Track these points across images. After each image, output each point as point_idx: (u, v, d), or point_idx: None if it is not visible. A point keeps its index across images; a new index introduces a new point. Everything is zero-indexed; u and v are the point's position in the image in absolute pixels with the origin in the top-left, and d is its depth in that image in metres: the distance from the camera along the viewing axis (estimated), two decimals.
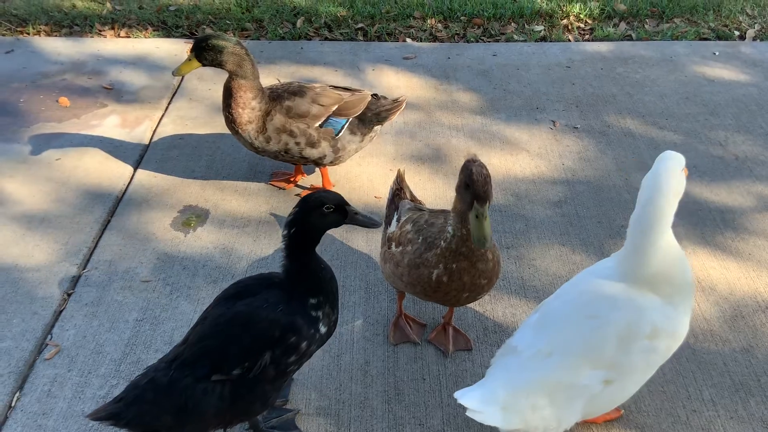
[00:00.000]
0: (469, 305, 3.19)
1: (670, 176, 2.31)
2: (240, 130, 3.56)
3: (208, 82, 4.92)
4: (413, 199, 3.17)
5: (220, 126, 4.46)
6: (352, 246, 3.55)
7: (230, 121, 3.56)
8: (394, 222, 3.01)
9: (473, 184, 2.40)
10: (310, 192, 2.35)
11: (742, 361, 2.96)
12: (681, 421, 2.72)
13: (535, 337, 2.44)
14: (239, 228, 3.65)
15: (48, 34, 5.52)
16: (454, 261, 2.59)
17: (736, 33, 5.66)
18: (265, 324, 2.28)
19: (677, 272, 2.39)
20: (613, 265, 2.49)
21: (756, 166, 4.16)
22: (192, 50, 3.44)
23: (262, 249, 3.52)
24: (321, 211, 2.30)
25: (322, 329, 2.39)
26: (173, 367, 2.31)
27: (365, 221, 2.41)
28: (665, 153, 2.40)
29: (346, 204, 2.37)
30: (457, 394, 2.33)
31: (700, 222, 3.72)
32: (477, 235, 2.43)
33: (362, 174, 4.07)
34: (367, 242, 3.55)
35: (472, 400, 2.30)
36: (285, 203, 3.82)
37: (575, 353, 2.36)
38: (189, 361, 2.30)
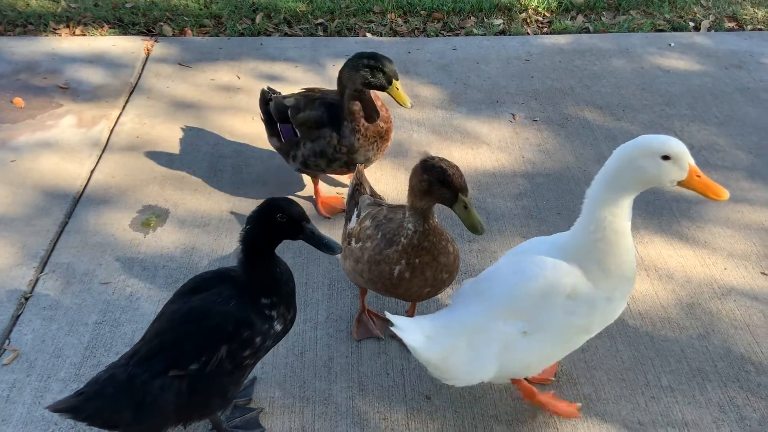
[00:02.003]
0: (432, 299, 3.21)
1: (632, 153, 2.27)
2: (388, 139, 3.58)
3: (167, 80, 4.87)
4: (373, 194, 3.18)
5: (179, 124, 4.42)
6: None
7: (386, 132, 3.52)
8: (354, 218, 3.01)
9: (451, 179, 2.44)
10: (284, 197, 2.31)
11: (699, 348, 3.02)
12: (640, 407, 2.77)
13: (470, 287, 2.61)
14: (200, 227, 3.63)
15: (1, 34, 5.40)
16: (416, 256, 2.60)
17: (691, 24, 5.75)
18: (218, 318, 2.28)
19: (611, 259, 2.37)
20: (561, 238, 2.55)
21: (711, 154, 4.24)
22: (396, 78, 3.37)
23: (224, 248, 3.50)
24: (274, 219, 2.27)
25: (277, 327, 2.38)
26: (132, 363, 2.30)
27: (320, 243, 2.31)
28: (646, 136, 2.31)
29: (304, 220, 2.31)
30: (388, 315, 2.50)
31: (656, 211, 3.79)
32: (472, 223, 2.49)
33: None
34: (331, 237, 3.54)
35: (401, 321, 2.47)
36: (246, 202, 3.80)
37: (496, 301, 2.49)
38: (146, 357, 2.29)
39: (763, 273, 3.39)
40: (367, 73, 3.30)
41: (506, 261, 2.61)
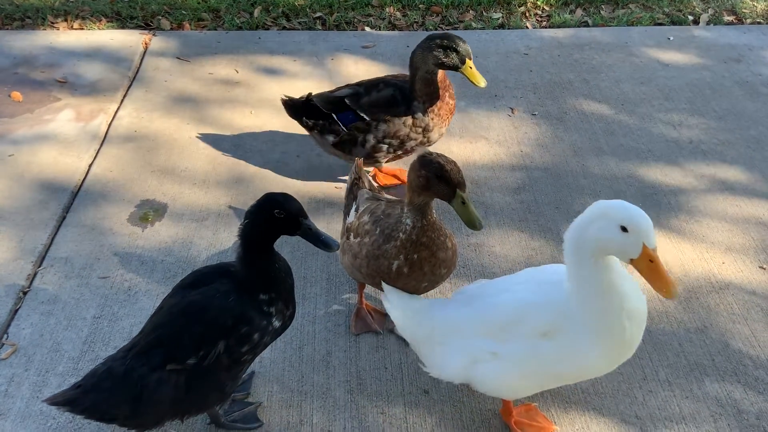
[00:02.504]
0: (430, 294, 3.21)
1: (598, 213, 2.17)
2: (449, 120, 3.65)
3: (165, 74, 4.86)
4: (372, 188, 3.17)
5: (177, 118, 4.41)
6: None
7: (454, 108, 3.63)
8: (352, 212, 3.01)
9: (449, 175, 2.46)
10: (282, 193, 2.31)
11: (696, 342, 3.03)
12: (638, 401, 2.78)
13: (475, 288, 2.61)
14: (198, 221, 3.62)
15: None
16: (414, 252, 2.60)
17: (690, 18, 5.74)
18: (216, 313, 2.28)
19: (593, 317, 2.25)
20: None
21: (709, 149, 4.24)
22: (471, 59, 3.42)
23: (222, 242, 3.50)
24: (271, 214, 2.27)
25: (276, 323, 2.39)
26: (129, 357, 2.30)
27: (317, 240, 2.31)
28: (618, 202, 2.18)
29: (302, 216, 2.30)
30: (385, 285, 2.65)
31: (654, 205, 3.79)
32: (470, 218, 2.51)
33: (322, 164, 4.06)
34: (328, 231, 3.52)
35: (393, 295, 2.65)
36: (245, 196, 3.80)
37: (477, 312, 2.47)
38: (144, 351, 2.29)
39: (761, 267, 3.40)
40: (440, 53, 3.34)
41: (520, 277, 2.55)
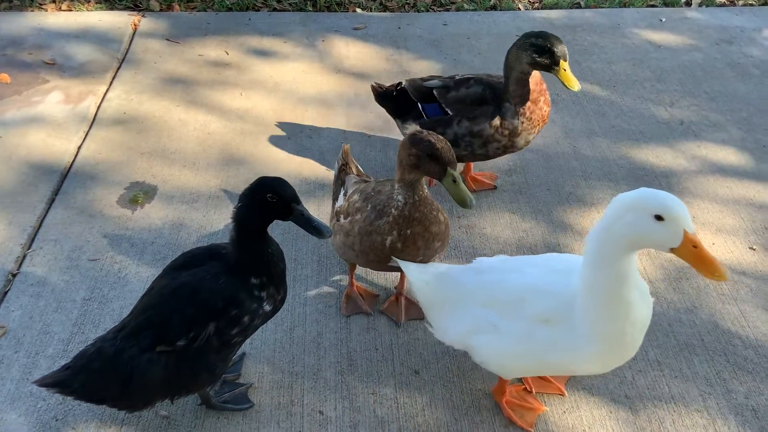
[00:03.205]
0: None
1: (626, 206, 2.05)
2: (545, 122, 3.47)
3: (154, 56, 4.82)
4: (359, 173, 3.17)
5: (167, 100, 4.38)
6: None
7: (547, 115, 3.43)
8: (341, 197, 3.01)
9: (440, 153, 2.46)
10: (276, 177, 2.29)
11: (686, 322, 3.04)
12: (627, 381, 2.79)
13: (496, 262, 2.59)
14: (188, 203, 3.61)
15: None
16: (407, 227, 2.61)
17: None
18: (207, 295, 2.27)
19: (601, 319, 2.20)
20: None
21: (701, 130, 4.24)
22: (565, 59, 3.21)
23: (212, 224, 3.48)
24: (264, 198, 2.25)
25: (267, 307, 2.38)
26: (119, 338, 2.30)
27: (309, 225, 2.29)
28: (646, 190, 2.06)
29: (295, 201, 2.28)
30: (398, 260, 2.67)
31: (645, 186, 3.77)
32: (461, 197, 2.51)
33: (313, 147, 4.04)
34: (319, 214, 3.54)
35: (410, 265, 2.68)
36: (236, 178, 3.78)
37: (487, 285, 2.47)
38: (134, 332, 2.29)
39: (751, 248, 3.41)
40: (534, 52, 3.17)
41: (538, 260, 2.55)
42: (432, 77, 3.62)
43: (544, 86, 3.36)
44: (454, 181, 2.50)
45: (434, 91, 3.48)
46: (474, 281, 2.52)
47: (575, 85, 3.22)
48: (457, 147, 3.41)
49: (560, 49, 3.17)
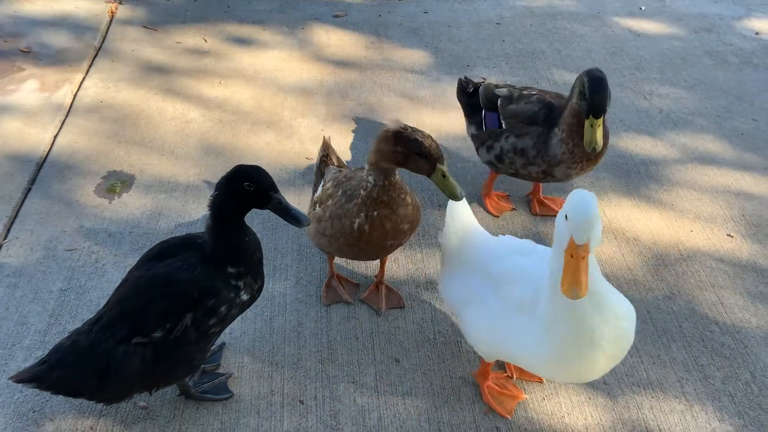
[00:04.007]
0: (401, 263, 3.21)
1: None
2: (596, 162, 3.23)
3: (131, 43, 4.76)
4: (340, 165, 3.15)
5: (144, 88, 4.34)
6: None
7: (597, 156, 3.17)
8: (320, 188, 2.99)
9: (429, 151, 2.43)
10: (253, 165, 2.26)
11: (664, 309, 3.06)
12: None
13: (527, 245, 2.59)
14: (166, 193, 3.58)
15: None
16: (374, 209, 2.59)
17: None
18: (182, 285, 2.25)
19: (554, 320, 2.19)
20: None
21: (679, 118, 4.26)
22: (595, 116, 2.94)
23: (191, 214, 3.46)
24: (241, 186, 2.23)
25: (244, 297, 2.36)
26: (95, 330, 2.27)
27: (287, 214, 2.27)
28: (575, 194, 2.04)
29: (272, 190, 2.26)
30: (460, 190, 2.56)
31: (624, 174, 3.80)
32: (452, 191, 2.49)
33: (293, 135, 4.02)
34: (298, 204, 3.52)
35: (458, 211, 2.71)
36: (214, 167, 3.75)
37: (494, 259, 2.48)
38: (109, 324, 2.26)
39: (728, 235, 3.43)
40: (582, 96, 2.94)
41: (543, 251, 2.52)
42: (504, 85, 3.46)
43: (606, 130, 3.14)
44: (444, 176, 2.47)
45: (498, 101, 3.35)
46: (487, 251, 2.55)
47: (595, 145, 2.98)
48: (501, 163, 3.35)
49: (597, 101, 2.90)
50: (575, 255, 1.97)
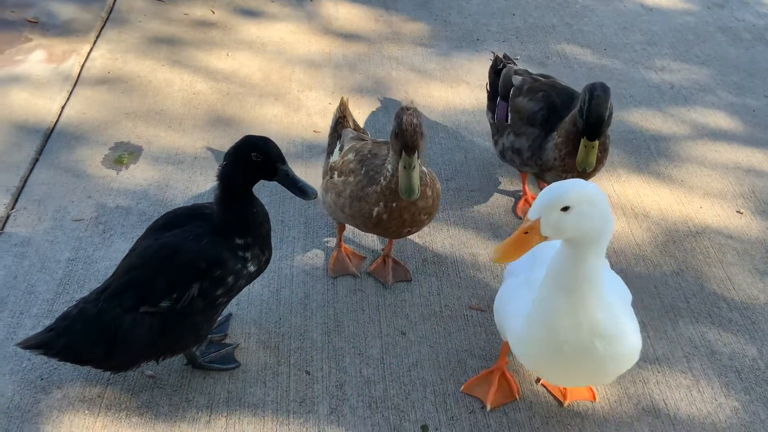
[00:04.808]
0: (409, 237, 3.20)
1: None
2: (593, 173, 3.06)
3: (139, 14, 4.73)
4: (356, 128, 3.12)
5: (152, 60, 4.32)
6: None
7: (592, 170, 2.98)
8: (336, 151, 2.97)
9: (402, 134, 2.39)
10: (262, 136, 2.25)
11: (672, 284, 3.05)
12: None
13: None
14: (174, 164, 3.57)
15: None
16: (393, 200, 2.57)
17: None
18: (190, 255, 2.25)
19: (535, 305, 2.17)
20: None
21: (691, 94, 4.22)
22: (590, 139, 2.78)
23: (198, 185, 3.45)
24: (249, 157, 2.22)
25: (251, 268, 2.36)
26: (102, 299, 2.28)
27: (294, 186, 2.27)
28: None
29: (280, 161, 2.25)
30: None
31: (634, 150, 3.78)
32: (404, 186, 2.43)
33: (300, 108, 3.99)
34: (306, 177, 3.50)
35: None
36: (222, 140, 3.74)
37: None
38: (117, 293, 2.26)
39: (738, 212, 3.41)
40: (581, 114, 2.76)
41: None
42: (522, 72, 3.29)
43: (608, 147, 2.99)
44: (405, 167, 2.41)
45: (512, 91, 3.19)
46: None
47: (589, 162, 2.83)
48: (503, 158, 3.27)
49: (593, 118, 2.73)
50: (530, 231, 1.97)
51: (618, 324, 2.15)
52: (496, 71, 3.45)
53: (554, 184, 1.99)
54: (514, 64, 3.48)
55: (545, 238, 1.98)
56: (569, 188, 1.95)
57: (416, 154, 2.40)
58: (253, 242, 2.34)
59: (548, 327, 2.13)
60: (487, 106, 3.49)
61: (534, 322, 2.17)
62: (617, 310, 2.16)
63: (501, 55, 3.53)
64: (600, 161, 2.94)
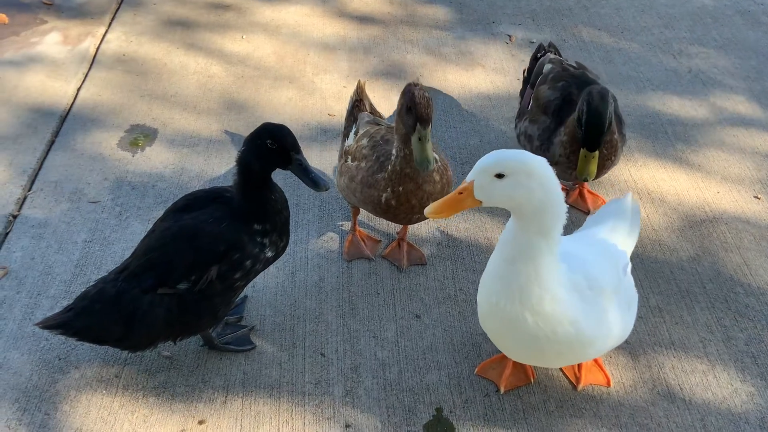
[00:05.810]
0: (423, 222, 3.20)
1: None
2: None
3: None
4: (373, 111, 3.12)
5: (166, 42, 4.32)
6: None
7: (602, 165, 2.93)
8: (351, 135, 2.97)
9: (415, 107, 2.40)
10: (279, 124, 2.26)
11: (688, 270, 3.03)
12: None
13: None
14: (189, 147, 3.57)
15: None
16: (400, 184, 2.58)
17: None
18: (209, 239, 2.26)
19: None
20: None
21: (708, 78, 4.17)
22: (589, 150, 2.74)
23: (214, 169, 3.46)
24: (265, 144, 2.23)
25: (269, 253, 2.38)
26: (121, 279, 2.29)
27: (306, 176, 2.28)
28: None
29: (294, 150, 2.26)
30: None
31: (651, 134, 3.75)
32: (420, 157, 2.44)
33: (315, 91, 3.99)
34: (320, 161, 3.51)
35: None
36: (237, 123, 3.74)
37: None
38: (135, 273, 2.28)
39: (755, 197, 3.38)
40: (579, 123, 2.74)
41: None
42: (555, 60, 3.23)
43: (618, 144, 2.94)
44: (420, 139, 2.43)
45: (540, 77, 3.13)
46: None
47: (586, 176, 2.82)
48: (519, 143, 3.21)
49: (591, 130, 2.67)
50: (464, 192, 2.01)
51: (559, 303, 2.13)
52: (535, 57, 3.42)
53: (497, 151, 2.02)
54: (557, 53, 3.43)
55: (479, 202, 2.02)
56: (507, 156, 1.98)
57: (429, 126, 2.43)
58: (271, 228, 2.35)
59: (486, 288, 2.22)
60: (520, 91, 3.49)
61: (481, 285, 2.27)
62: (563, 292, 2.13)
63: (548, 44, 3.47)
64: (609, 159, 2.91)
